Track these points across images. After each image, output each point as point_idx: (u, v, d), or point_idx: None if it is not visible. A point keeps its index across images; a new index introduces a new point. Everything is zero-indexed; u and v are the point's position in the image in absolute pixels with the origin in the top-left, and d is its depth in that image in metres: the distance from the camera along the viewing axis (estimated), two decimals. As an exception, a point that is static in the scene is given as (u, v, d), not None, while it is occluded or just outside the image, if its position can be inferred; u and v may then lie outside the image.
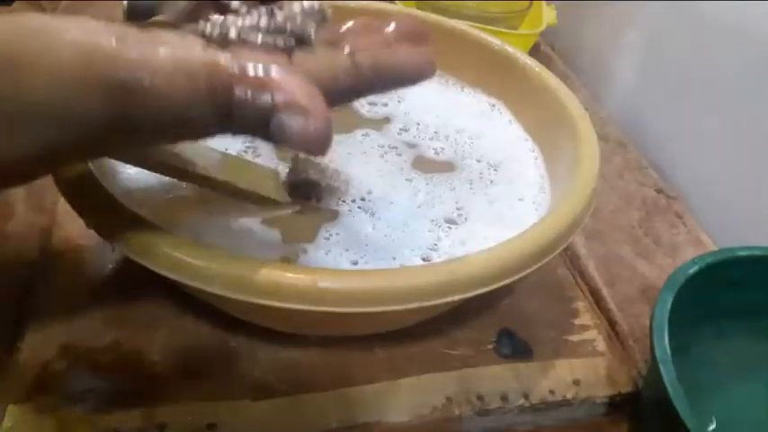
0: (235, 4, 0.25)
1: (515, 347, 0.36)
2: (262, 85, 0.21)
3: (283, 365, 0.34)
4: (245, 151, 0.40)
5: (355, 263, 0.34)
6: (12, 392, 0.31)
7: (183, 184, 0.36)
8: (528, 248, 0.30)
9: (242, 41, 0.24)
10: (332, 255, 0.34)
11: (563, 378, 0.35)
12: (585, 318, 0.39)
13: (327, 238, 0.35)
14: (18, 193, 0.43)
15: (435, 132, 0.44)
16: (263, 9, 0.25)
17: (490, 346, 0.36)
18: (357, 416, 0.32)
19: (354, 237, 0.35)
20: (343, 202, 0.37)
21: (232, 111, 0.21)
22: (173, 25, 0.25)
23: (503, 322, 0.38)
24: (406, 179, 0.40)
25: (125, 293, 0.36)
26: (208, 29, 0.24)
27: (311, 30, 0.24)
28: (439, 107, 0.46)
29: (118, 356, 0.33)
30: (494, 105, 0.46)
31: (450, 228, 0.37)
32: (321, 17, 0.25)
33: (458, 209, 0.38)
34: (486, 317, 0.38)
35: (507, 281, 0.29)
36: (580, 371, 0.36)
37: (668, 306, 0.33)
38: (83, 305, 0.35)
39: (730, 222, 0.48)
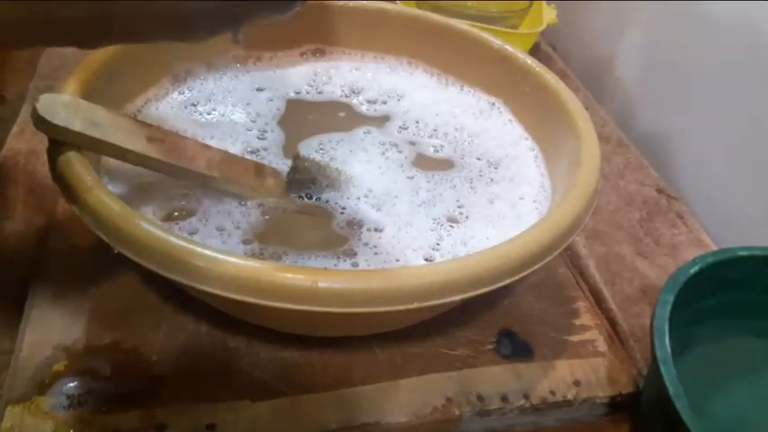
0: None
1: (516, 348, 0.36)
2: None
3: (283, 365, 0.34)
4: (248, 151, 0.40)
5: (357, 264, 0.34)
6: (11, 392, 0.31)
7: (184, 183, 0.36)
8: (528, 249, 0.30)
9: None
10: (333, 254, 0.34)
11: (563, 378, 0.35)
12: (586, 318, 0.39)
13: (328, 238, 0.35)
14: (18, 193, 0.43)
15: (435, 130, 0.44)
16: None
17: (490, 347, 0.36)
18: (357, 416, 0.32)
19: (356, 236, 0.35)
20: (345, 199, 0.37)
21: None
22: None
23: (503, 322, 0.38)
24: (408, 177, 0.40)
25: (125, 293, 0.36)
26: None
27: None
28: (438, 106, 0.46)
29: (117, 356, 0.33)
30: (493, 104, 0.46)
31: (452, 226, 0.37)
32: None
33: (459, 207, 0.38)
34: (487, 317, 0.38)
35: (508, 281, 0.29)
36: (581, 371, 0.36)
37: (669, 306, 0.33)
38: (82, 305, 0.35)
39: (730, 222, 0.48)
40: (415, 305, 0.27)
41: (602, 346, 0.37)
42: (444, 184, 0.40)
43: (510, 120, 0.45)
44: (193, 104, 0.43)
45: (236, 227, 0.35)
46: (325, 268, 0.33)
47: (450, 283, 0.28)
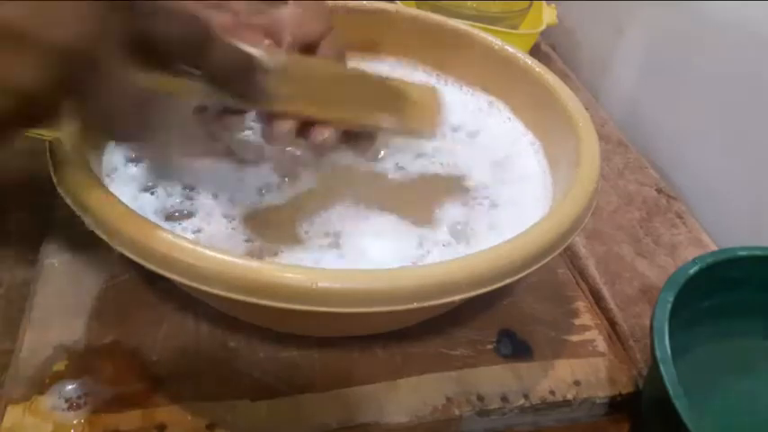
0: None
1: (515, 347, 0.36)
2: None
3: (283, 365, 0.34)
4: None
5: (355, 261, 0.34)
6: (12, 392, 0.31)
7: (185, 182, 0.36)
8: (528, 249, 0.30)
9: None
10: (334, 254, 0.34)
11: (563, 378, 0.35)
12: (586, 318, 0.39)
13: (329, 237, 0.35)
14: (18, 193, 0.43)
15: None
16: None
17: (490, 346, 0.36)
18: (357, 416, 0.32)
19: (351, 233, 0.35)
20: (341, 197, 0.37)
21: None
22: None
23: (503, 322, 0.38)
24: (407, 177, 0.40)
25: (125, 293, 0.36)
26: None
27: None
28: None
29: (118, 356, 0.33)
30: (493, 104, 0.46)
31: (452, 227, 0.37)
32: None
33: (459, 207, 0.38)
34: (486, 317, 0.38)
35: (508, 281, 0.29)
36: (580, 371, 0.36)
37: (669, 306, 0.33)
38: (83, 305, 0.35)
39: (730, 222, 0.48)
40: (415, 305, 0.27)
41: (601, 346, 0.37)
42: (444, 185, 0.40)
43: (510, 119, 0.45)
44: (193, 104, 0.43)
45: (240, 223, 0.35)
46: (325, 268, 0.33)
47: (450, 283, 0.28)
